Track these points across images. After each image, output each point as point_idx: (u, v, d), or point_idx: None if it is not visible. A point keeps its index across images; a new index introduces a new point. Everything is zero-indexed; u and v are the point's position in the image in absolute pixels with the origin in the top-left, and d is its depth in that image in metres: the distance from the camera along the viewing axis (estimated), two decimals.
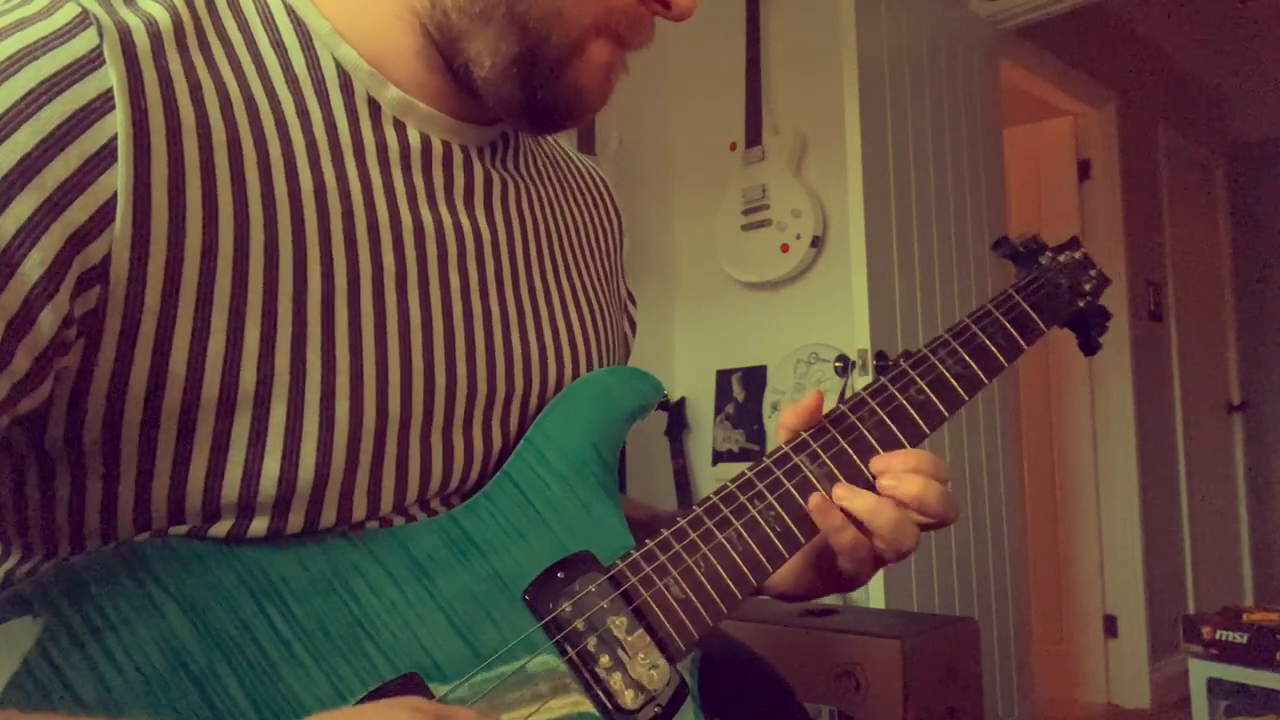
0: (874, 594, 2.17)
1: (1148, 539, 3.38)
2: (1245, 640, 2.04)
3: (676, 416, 2.68)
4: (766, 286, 2.52)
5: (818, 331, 2.41)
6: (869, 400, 0.68)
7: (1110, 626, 3.42)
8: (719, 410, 2.61)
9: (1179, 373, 3.70)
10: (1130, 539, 3.37)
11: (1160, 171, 3.74)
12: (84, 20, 0.47)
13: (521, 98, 0.58)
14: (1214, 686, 2.13)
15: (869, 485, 0.65)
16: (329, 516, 0.52)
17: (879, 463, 0.65)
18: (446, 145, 0.60)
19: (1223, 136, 4.34)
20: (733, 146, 2.56)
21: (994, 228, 2.65)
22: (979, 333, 0.72)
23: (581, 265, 0.72)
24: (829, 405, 0.68)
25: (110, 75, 0.46)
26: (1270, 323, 4.23)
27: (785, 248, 2.42)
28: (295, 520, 0.51)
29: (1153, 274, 3.60)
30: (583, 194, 0.77)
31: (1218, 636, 2.08)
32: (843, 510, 0.63)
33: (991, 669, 2.41)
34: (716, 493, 0.64)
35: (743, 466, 0.64)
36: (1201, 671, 2.14)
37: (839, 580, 0.69)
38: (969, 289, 2.52)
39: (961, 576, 2.38)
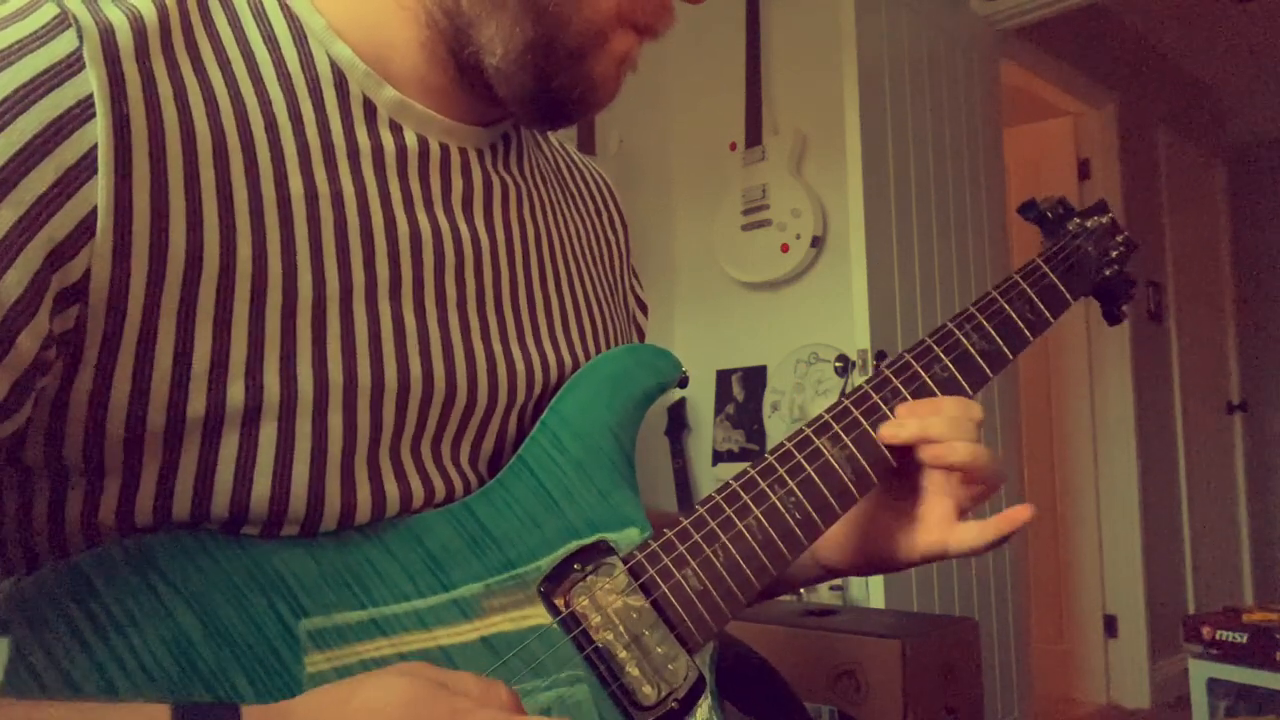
0: (874, 594, 2.17)
1: (1148, 539, 3.38)
2: (1245, 640, 2.04)
3: (676, 416, 2.68)
4: (766, 286, 2.52)
5: (818, 331, 2.41)
6: (893, 379, 0.67)
7: (1110, 626, 3.42)
8: (719, 410, 2.61)
9: (1179, 373, 3.70)
10: (1130, 539, 3.37)
11: (1160, 171, 3.73)
12: (62, 21, 0.44)
13: (535, 86, 0.56)
14: (1214, 686, 2.13)
15: (891, 468, 0.65)
16: (329, 526, 0.51)
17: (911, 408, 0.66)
18: (444, 148, 0.59)
19: (1223, 136, 4.33)
20: (733, 146, 2.56)
21: (994, 228, 2.65)
22: (1005, 306, 0.70)
23: (585, 274, 0.70)
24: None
25: (90, 80, 0.44)
26: (1270, 323, 4.23)
27: (785, 248, 2.41)
28: (290, 531, 0.50)
29: (1153, 274, 3.60)
30: (586, 200, 0.74)
31: (1218, 636, 2.08)
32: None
33: (991, 669, 2.41)
34: (737, 478, 0.62)
35: (746, 465, 0.64)
36: (1201, 671, 2.13)
37: (891, 552, 0.68)
38: (969, 289, 2.52)
39: (961, 576, 2.38)
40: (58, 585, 0.44)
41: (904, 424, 0.65)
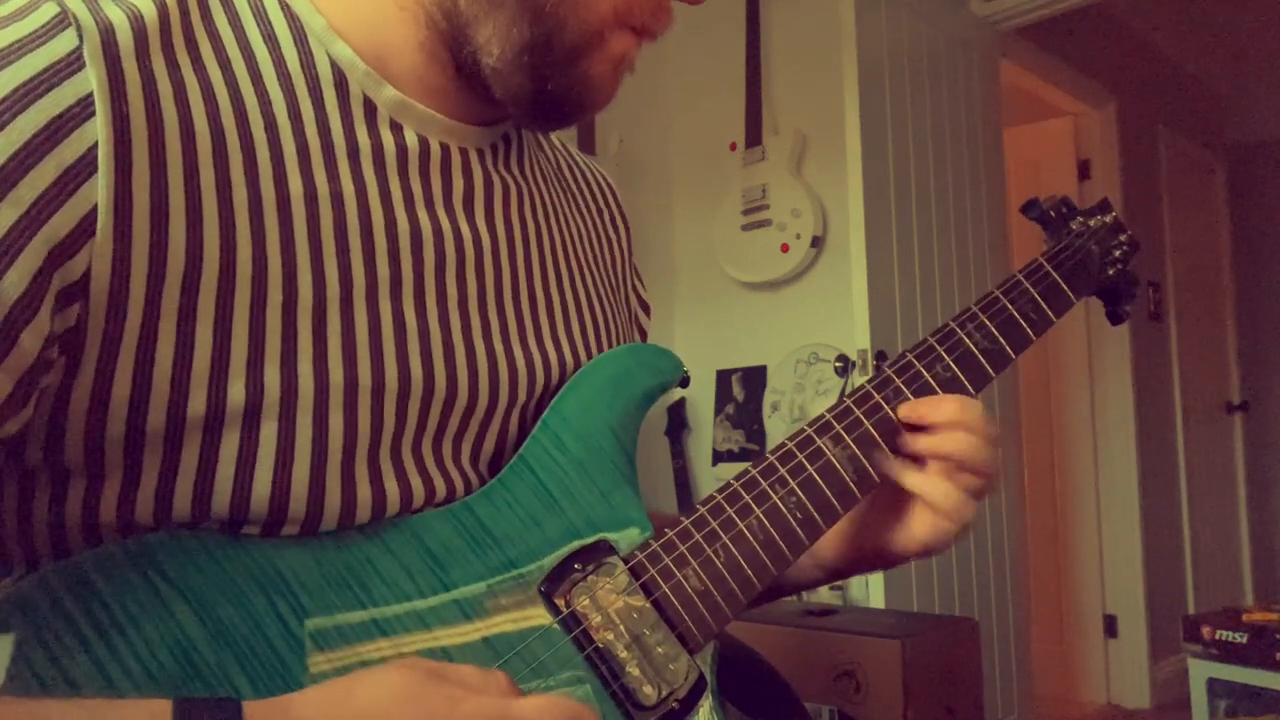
0: (874, 594, 2.17)
1: (1148, 539, 3.38)
2: (1245, 640, 2.04)
3: (676, 416, 2.68)
4: (766, 286, 2.52)
5: (818, 331, 2.41)
6: (895, 379, 0.66)
7: (1110, 626, 3.42)
8: (719, 410, 2.61)
9: (1179, 373, 3.70)
10: (1130, 539, 3.37)
11: (1160, 172, 3.73)
12: (63, 20, 0.45)
13: (531, 88, 0.56)
14: (1214, 686, 2.13)
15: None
16: (329, 525, 0.51)
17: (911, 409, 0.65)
18: (445, 147, 0.59)
19: (1223, 137, 4.33)
20: (733, 146, 2.56)
21: (994, 228, 2.65)
22: (1008, 305, 0.70)
23: (586, 273, 0.70)
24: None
25: (90, 79, 0.44)
26: (1270, 323, 4.23)
27: (785, 248, 2.41)
28: (291, 530, 0.50)
29: (1153, 274, 3.60)
30: (588, 201, 0.74)
31: (1218, 636, 2.08)
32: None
33: (991, 669, 2.41)
34: (738, 478, 0.62)
35: (748, 465, 0.64)
36: (1201, 671, 2.13)
37: (887, 546, 0.68)
38: (969, 289, 2.52)
39: (961, 576, 2.38)
40: (59, 584, 0.44)
41: (921, 406, 0.65)
